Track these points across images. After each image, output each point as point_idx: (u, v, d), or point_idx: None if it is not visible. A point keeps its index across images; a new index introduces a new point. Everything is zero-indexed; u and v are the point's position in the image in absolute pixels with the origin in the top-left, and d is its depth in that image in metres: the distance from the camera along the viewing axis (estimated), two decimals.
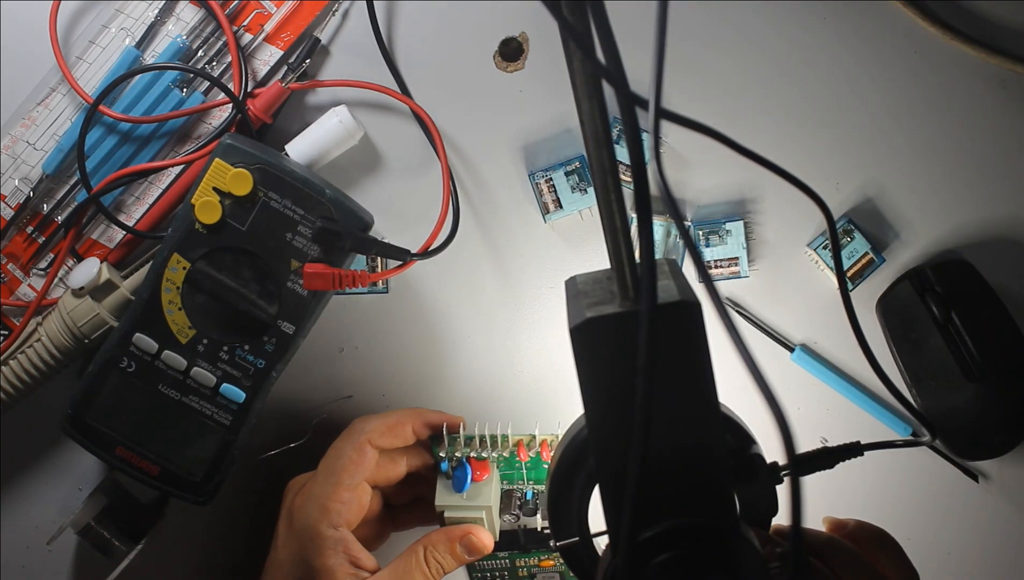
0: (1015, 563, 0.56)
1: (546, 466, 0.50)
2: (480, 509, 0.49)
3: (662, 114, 0.31)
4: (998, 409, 0.52)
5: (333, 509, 0.47)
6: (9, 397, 0.51)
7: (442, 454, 0.50)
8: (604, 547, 0.38)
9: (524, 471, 0.50)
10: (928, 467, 0.55)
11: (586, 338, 0.33)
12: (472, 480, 0.49)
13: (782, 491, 0.39)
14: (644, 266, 0.30)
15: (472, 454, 0.49)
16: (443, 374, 0.56)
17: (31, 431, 0.55)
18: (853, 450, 0.43)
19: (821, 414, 0.55)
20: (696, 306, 0.33)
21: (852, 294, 0.54)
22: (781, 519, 0.40)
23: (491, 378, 0.56)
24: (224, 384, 0.49)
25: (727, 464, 0.35)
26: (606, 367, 0.33)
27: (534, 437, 0.50)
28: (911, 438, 0.53)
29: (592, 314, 0.33)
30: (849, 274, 0.53)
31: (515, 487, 0.51)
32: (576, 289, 0.36)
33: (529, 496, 0.51)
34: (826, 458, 0.43)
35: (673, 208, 0.30)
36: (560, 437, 0.42)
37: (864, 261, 0.53)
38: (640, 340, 0.30)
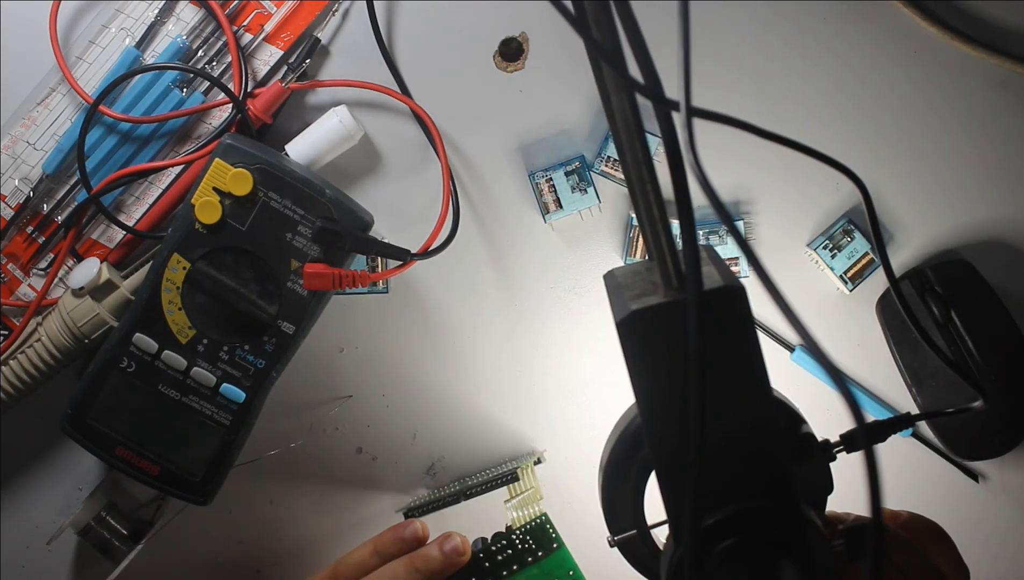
0: (1015, 563, 0.56)
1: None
2: None
3: (693, 112, 0.31)
4: (998, 409, 0.52)
5: None
6: (9, 397, 0.51)
7: None
8: (665, 538, 0.38)
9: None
10: (928, 467, 0.55)
11: (633, 330, 0.33)
12: None
13: (841, 467, 0.39)
14: (689, 254, 0.30)
15: None
16: (443, 374, 0.56)
17: (31, 431, 0.55)
18: (905, 420, 0.42)
19: (821, 414, 0.55)
20: (741, 290, 0.33)
21: (852, 294, 0.54)
22: (840, 497, 0.40)
23: (491, 378, 0.56)
24: (224, 384, 0.49)
25: (783, 445, 0.35)
26: (655, 358, 0.33)
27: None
28: (964, 406, 0.51)
29: (637, 306, 0.33)
30: (849, 274, 0.53)
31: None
32: (616, 282, 0.35)
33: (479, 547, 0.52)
34: (889, 428, 0.42)
35: (720, 207, 0.30)
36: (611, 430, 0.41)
37: (864, 261, 0.53)
38: (689, 328, 0.30)
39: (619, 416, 0.42)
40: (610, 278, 0.36)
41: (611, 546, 0.41)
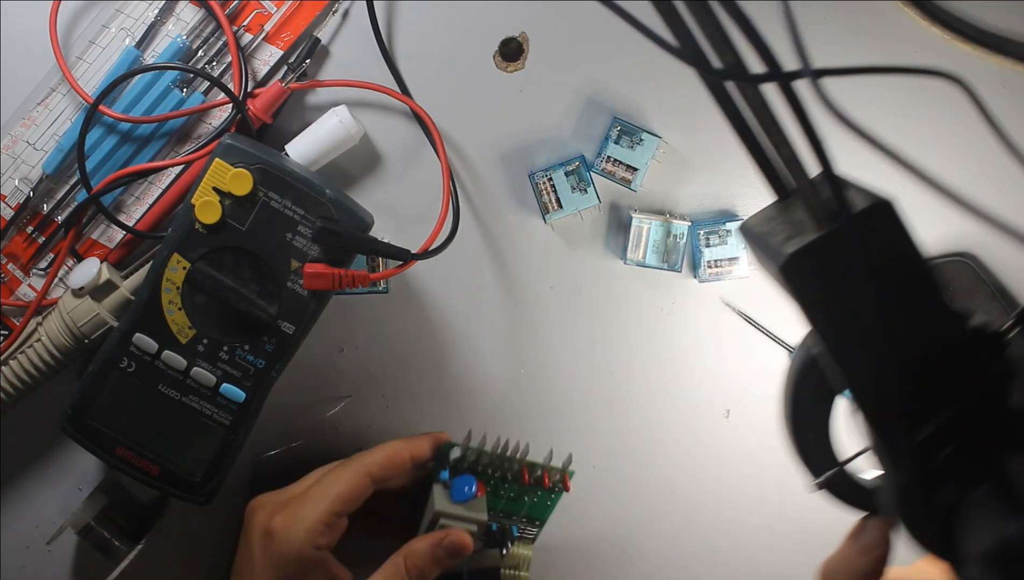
0: None
1: (529, 498, 0.51)
2: (475, 521, 0.49)
3: (818, 74, 0.31)
4: None
5: (321, 531, 0.47)
6: (9, 397, 0.51)
7: (450, 459, 0.49)
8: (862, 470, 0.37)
9: (506, 500, 0.51)
10: None
11: (797, 271, 0.33)
12: (475, 493, 0.49)
13: None
14: (831, 184, 0.30)
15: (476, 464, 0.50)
16: (443, 374, 0.56)
17: (31, 431, 0.55)
18: None
19: None
20: (890, 204, 0.33)
21: None
22: None
23: (491, 378, 0.56)
24: (224, 384, 0.49)
25: (964, 341, 0.35)
26: (825, 291, 0.33)
27: (535, 465, 0.50)
28: None
29: (794, 248, 0.33)
30: None
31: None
32: (755, 233, 0.35)
33: (494, 528, 0.51)
34: None
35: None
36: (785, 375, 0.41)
37: None
38: (852, 254, 0.30)
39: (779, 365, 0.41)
40: (747, 231, 0.36)
41: (815, 490, 0.41)
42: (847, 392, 0.35)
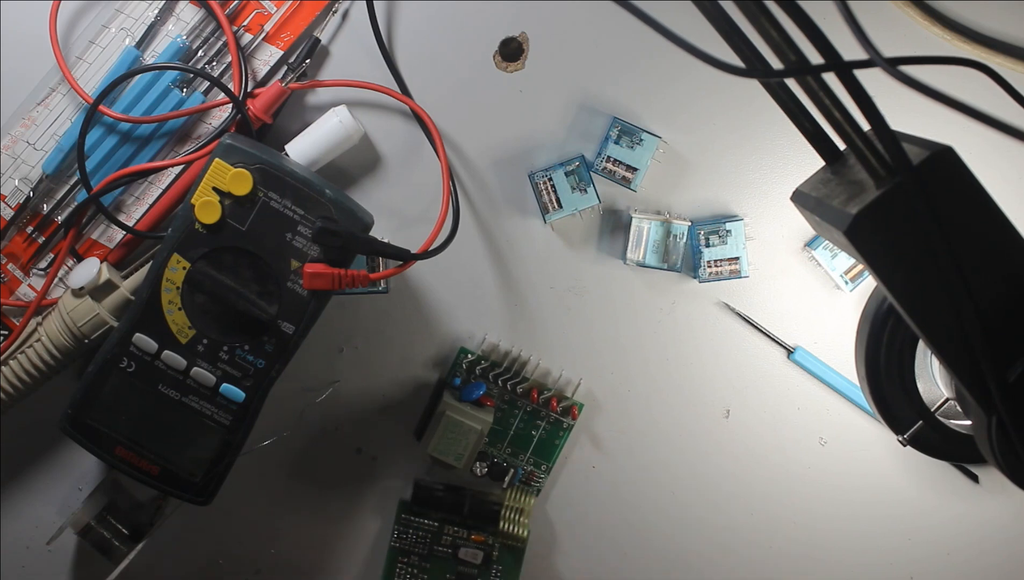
0: (1015, 563, 0.56)
1: (536, 433, 0.54)
2: (480, 421, 0.52)
3: (893, 61, 0.32)
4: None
5: None
6: (9, 397, 0.51)
7: (463, 364, 0.53)
8: (949, 420, 0.36)
9: (514, 427, 0.54)
10: (929, 467, 0.55)
11: (864, 232, 0.33)
12: (480, 398, 0.53)
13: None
14: (888, 138, 0.30)
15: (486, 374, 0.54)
16: (443, 374, 0.56)
17: (31, 431, 0.55)
18: None
19: (821, 414, 0.55)
20: (949, 151, 0.32)
21: (852, 294, 0.54)
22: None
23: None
24: (224, 384, 0.49)
25: None
26: (894, 247, 0.33)
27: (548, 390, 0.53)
28: None
29: (858, 208, 0.32)
30: (849, 275, 0.53)
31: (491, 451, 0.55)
32: (812, 198, 0.35)
33: (502, 463, 0.54)
34: None
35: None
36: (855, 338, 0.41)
37: None
38: (918, 206, 0.30)
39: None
40: (802, 197, 0.36)
41: (904, 446, 0.40)
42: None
